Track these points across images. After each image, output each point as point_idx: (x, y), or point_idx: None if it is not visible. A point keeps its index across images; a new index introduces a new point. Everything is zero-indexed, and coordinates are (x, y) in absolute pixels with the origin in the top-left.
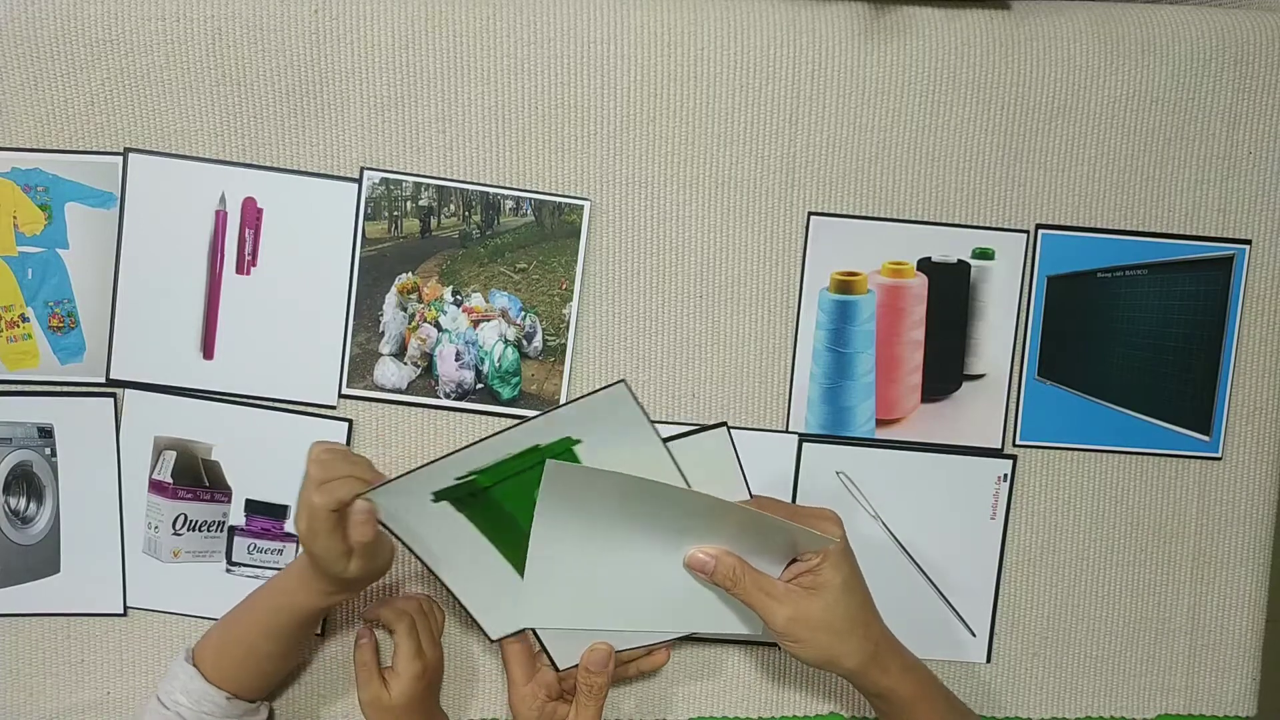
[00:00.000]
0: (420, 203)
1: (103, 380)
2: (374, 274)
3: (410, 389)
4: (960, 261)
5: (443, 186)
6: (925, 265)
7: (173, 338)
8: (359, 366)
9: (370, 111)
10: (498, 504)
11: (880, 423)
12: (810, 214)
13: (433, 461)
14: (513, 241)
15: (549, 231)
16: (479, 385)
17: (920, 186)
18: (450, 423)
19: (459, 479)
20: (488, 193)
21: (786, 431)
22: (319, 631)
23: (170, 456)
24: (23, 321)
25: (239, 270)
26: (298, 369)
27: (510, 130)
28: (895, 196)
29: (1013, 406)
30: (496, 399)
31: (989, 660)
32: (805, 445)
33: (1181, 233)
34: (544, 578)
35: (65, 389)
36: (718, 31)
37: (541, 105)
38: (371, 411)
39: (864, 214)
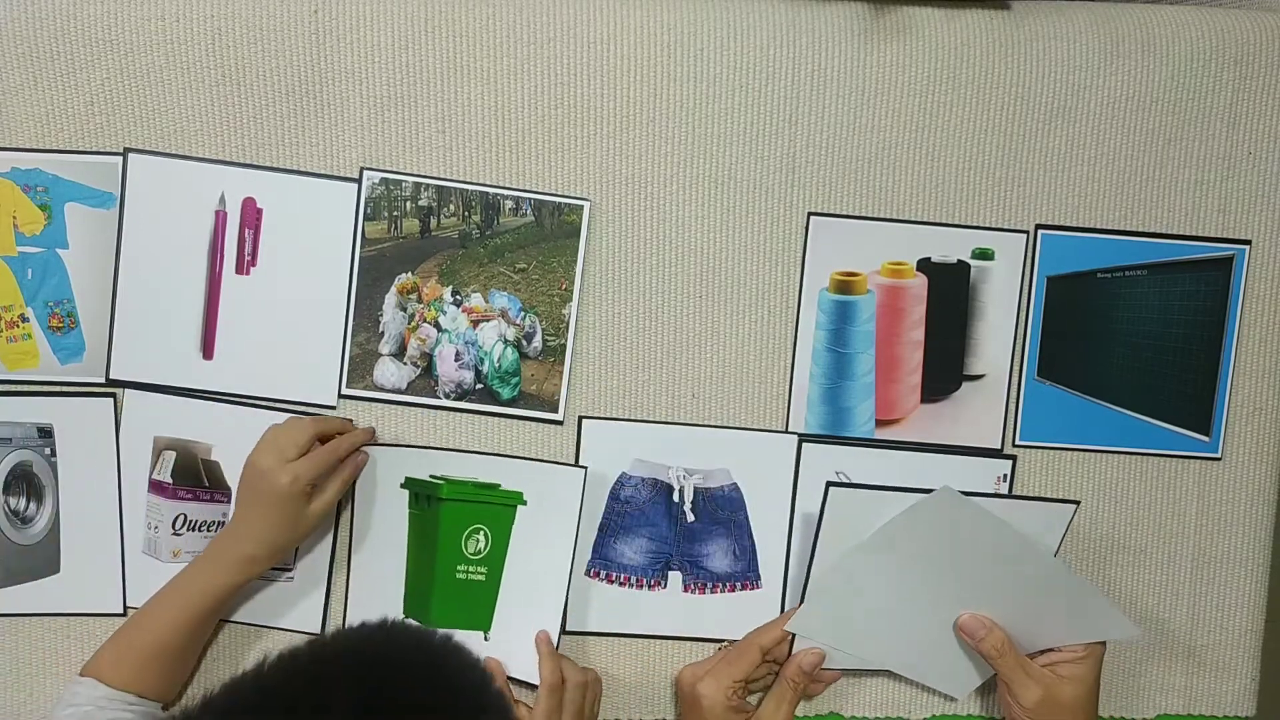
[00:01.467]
0: (420, 203)
1: (102, 380)
2: (374, 274)
3: (410, 389)
4: (960, 262)
5: (442, 187)
6: (925, 265)
7: (172, 338)
8: (358, 367)
9: (370, 111)
10: (436, 521)
11: (880, 423)
12: (810, 214)
13: (433, 448)
14: (512, 242)
15: (549, 232)
16: (479, 385)
17: (920, 187)
18: (449, 422)
19: (432, 476)
20: (487, 193)
21: (786, 432)
22: (320, 631)
23: (170, 456)
24: (22, 321)
25: (239, 270)
26: (297, 369)
27: (510, 130)
28: (895, 197)
29: (1012, 407)
30: (496, 399)
31: None
32: (805, 445)
33: (1181, 233)
34: (827, 591)
35: (65, 389)
36: (717, 32)
37: (541, 105)
38: (371, 411)
39: (864, 214)
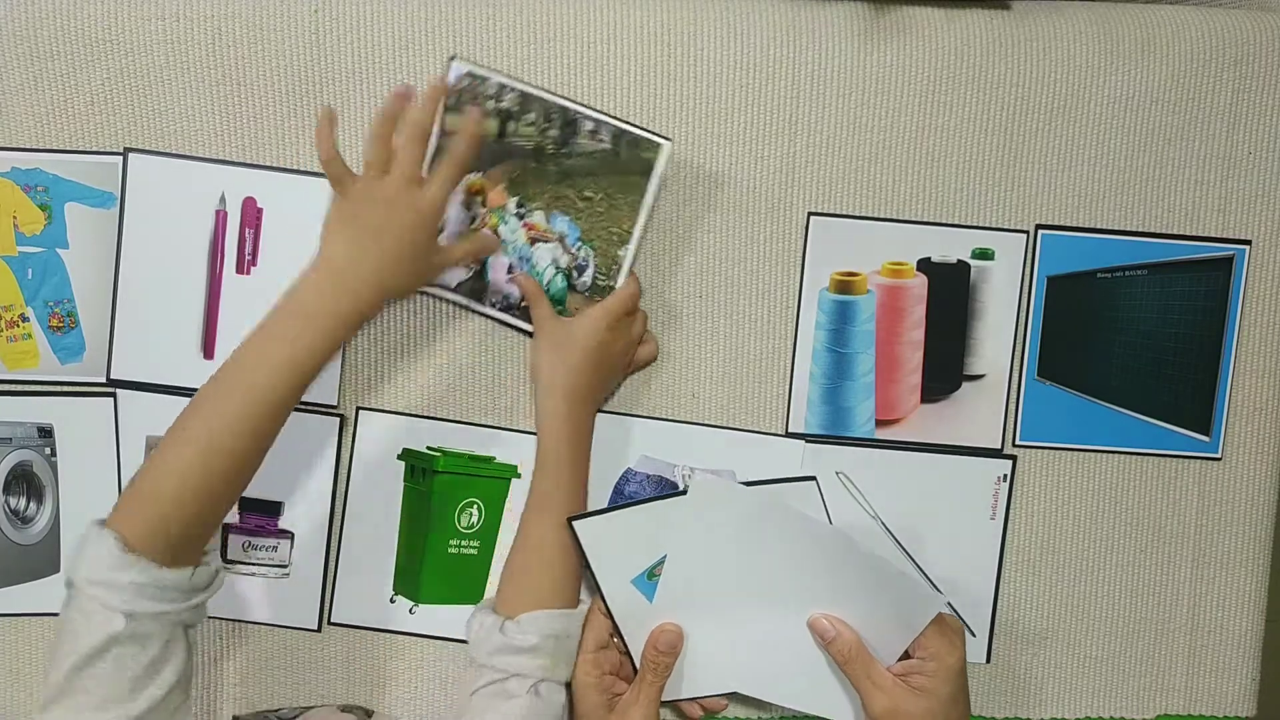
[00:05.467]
0: (502, 104)
1: (103, 380)
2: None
3: (459, 289)
4: (960, 262)
5: (527, 93)
6: (925, 265)
7: (173, 338)
8: None
9: (370, 111)
10: (429, 494)
11: (880, 423)
12: (810, 214)
13: (431, 417)
14: (584, 166)
15: (623, 163)
16: (523, 303)
17: (920, 187)
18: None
19: (430, 448)
20: (568, 108)
21: (786, 435)
22: (316, 628)
23: None
24: (23, 321)
25: (239, 270)
26: None
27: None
28: (895, 197)
29: (1012, 407)
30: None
31: (989, 660)
32: (805, 446)
33: (1181, 233)
34: (671, 594)
35: (65, 389)
36: (717, 31)
37: None
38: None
39: (864, 214)
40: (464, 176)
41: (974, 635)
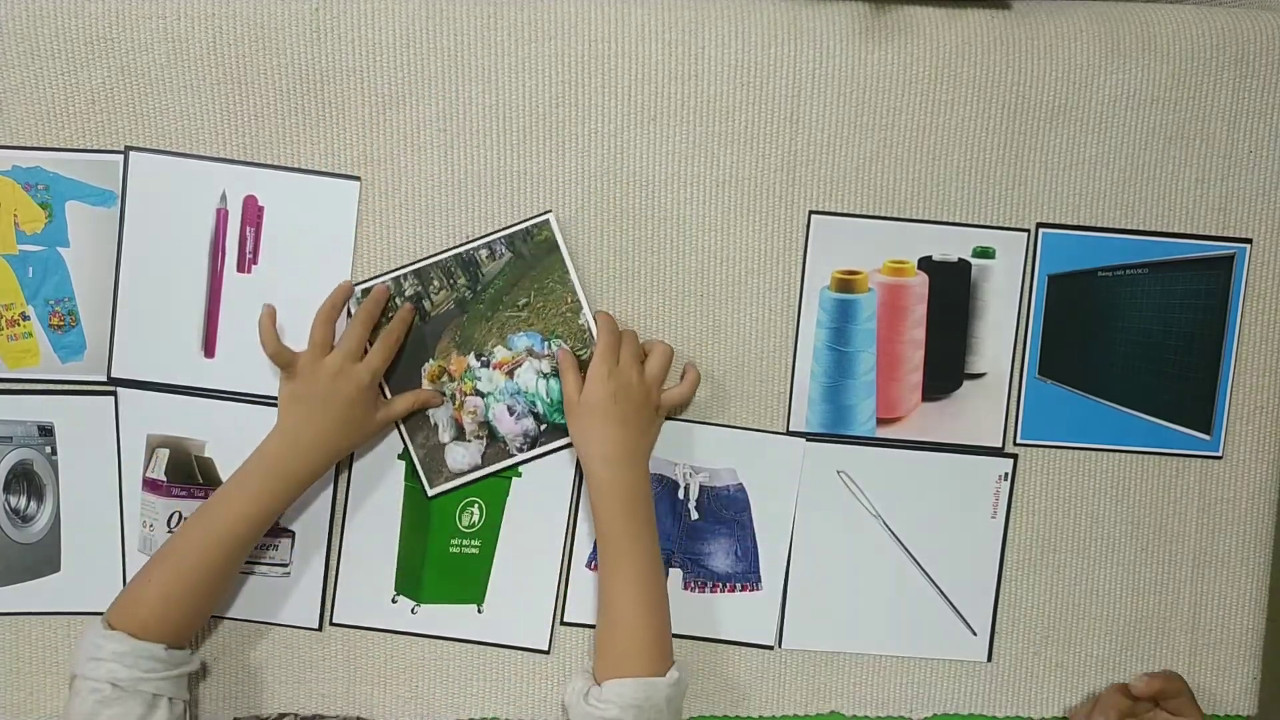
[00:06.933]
0: (407, 294)
1: (103, 379)
2: (401, 378)
3: (485, 460)
4: (961, 260)
5: (419, 269)
6: (926, 264)
7: (174, 336)
8: (432, 464)
9: (370, 110)
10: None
11: (881, 421)
12: (811, 213)
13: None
14: (504, 284)
15: (531, 259)
16: (543, 426)
17: (921, 185)
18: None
19: None
20: (460, 254)
21: (787, 433)
22: (318, 627)
23: (163, 454)
24: (23, 320)
25: (240, 268)
26: None
27: (510, 129)
28: (896, 195)
29: (1013, 405)
30: (564, 431)
31: (990, 659)
32: (806, 444)
33: (1182, 232)
34: None
35: (66, 387)
36: (719, 30)
37: (542, 104)
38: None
39: (865, 213)
40: (396, 349)
41: (975, 634)
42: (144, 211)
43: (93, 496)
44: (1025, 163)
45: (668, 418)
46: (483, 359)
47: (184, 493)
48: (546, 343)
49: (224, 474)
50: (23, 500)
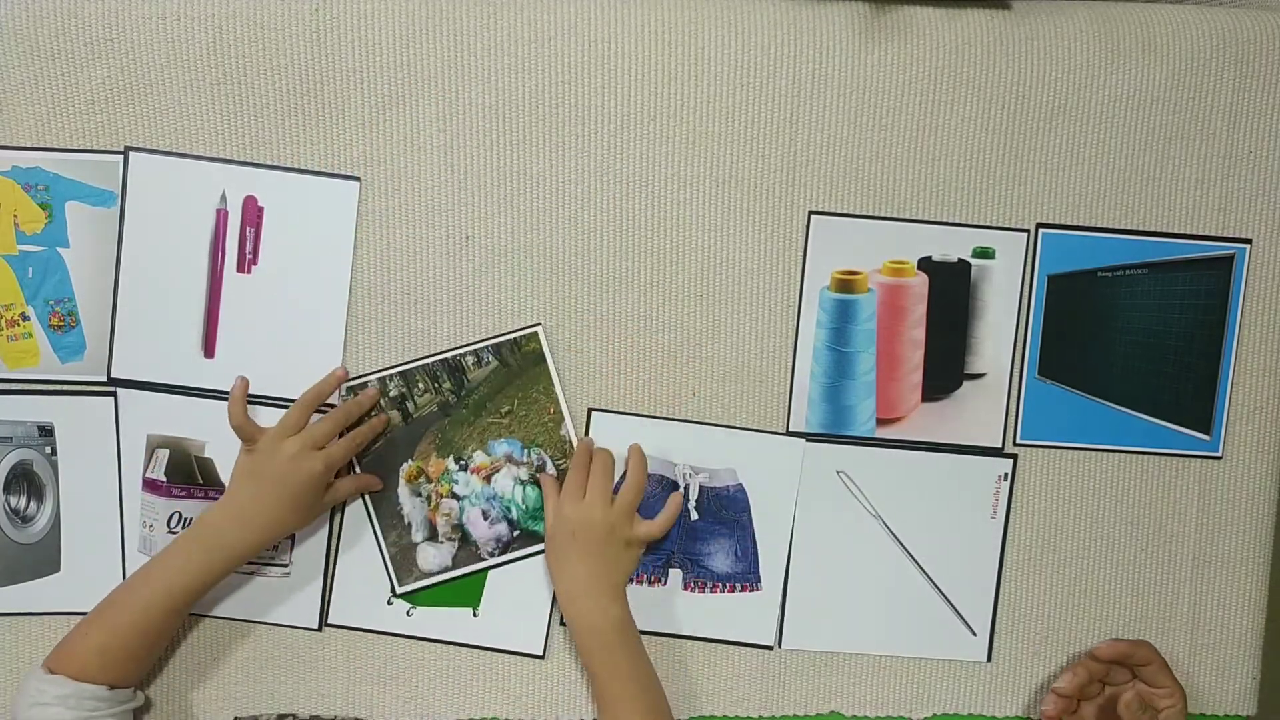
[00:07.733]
0: (391, 394)
1: (103, 379)
2: (378, 476)
3: (456, 562)
4: (961, 260)
5: (405, 371)
6: (926, 264)
7: (174, 336)
8: (402, 563)
9: (370, 111)
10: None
11: (881, 422)
12: (811, 213)
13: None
14: (489, 391)
15: (517, 368)
16: (516, 533)
17: (921, 185)
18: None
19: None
20: (448, 359)
21: (787, 433)
22: (317, 627)
23: (163, 455)
24: (23, 320)
25: (240, 268)
26: (298, 366)
27: (510, 130)
28: (896, 195)
29: (1013, 405)
30: (538, 537)
31: (989, 659)
32: (805, 444)
33: (1182, 232)
34: None
35: (66, 388)
36: (718, 31)
37: (542, 104)
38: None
39: (864, 213)
40: (357, 451)
41: (974, 634)
42: (144, 212)
43: (93, 497)
44: (1025, 163)
45: (676, 418)
46: (461, 463)
47: (184, 493)
48: (526, 450)
49: (224, 474)
50: (23, 500)
